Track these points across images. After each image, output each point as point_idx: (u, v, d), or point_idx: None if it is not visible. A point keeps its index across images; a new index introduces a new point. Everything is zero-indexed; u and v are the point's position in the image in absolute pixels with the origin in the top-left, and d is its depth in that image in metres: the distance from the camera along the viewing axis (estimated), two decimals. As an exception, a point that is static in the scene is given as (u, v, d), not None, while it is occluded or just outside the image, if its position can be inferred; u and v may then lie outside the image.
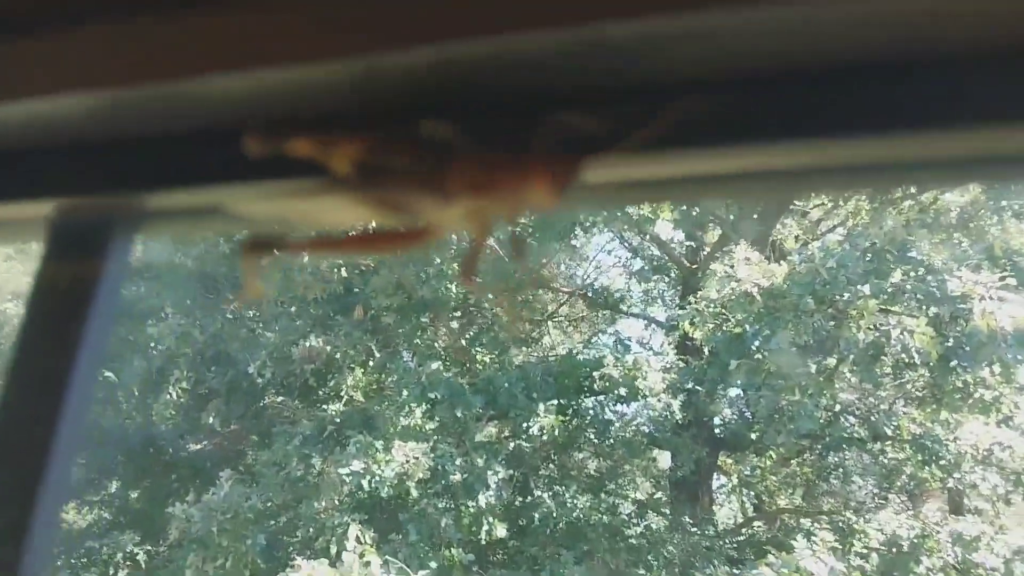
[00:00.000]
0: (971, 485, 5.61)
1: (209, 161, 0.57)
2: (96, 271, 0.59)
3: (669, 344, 7.04)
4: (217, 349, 6.53)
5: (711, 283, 5.94)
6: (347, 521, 5.25)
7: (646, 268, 8.25)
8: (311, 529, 5.52)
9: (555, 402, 6.40)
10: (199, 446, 7.10)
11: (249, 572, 5.46)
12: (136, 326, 7.10)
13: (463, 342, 6.87)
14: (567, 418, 6.46)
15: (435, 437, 5.74)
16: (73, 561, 6.58)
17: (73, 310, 0.58)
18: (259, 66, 0.50)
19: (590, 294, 8.13)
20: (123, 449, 6.91)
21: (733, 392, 6.50)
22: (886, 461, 6.39)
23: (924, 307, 5.01)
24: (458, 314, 7.12)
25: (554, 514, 6.08)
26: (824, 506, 7.08)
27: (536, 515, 6.11)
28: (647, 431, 6.58)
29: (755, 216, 6.54)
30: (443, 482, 5.55)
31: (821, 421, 5.80)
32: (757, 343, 5.42)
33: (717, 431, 7.00)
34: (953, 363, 5.01)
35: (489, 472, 5.62)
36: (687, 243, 7.64)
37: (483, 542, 5.70)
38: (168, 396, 6.85)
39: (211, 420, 6.85)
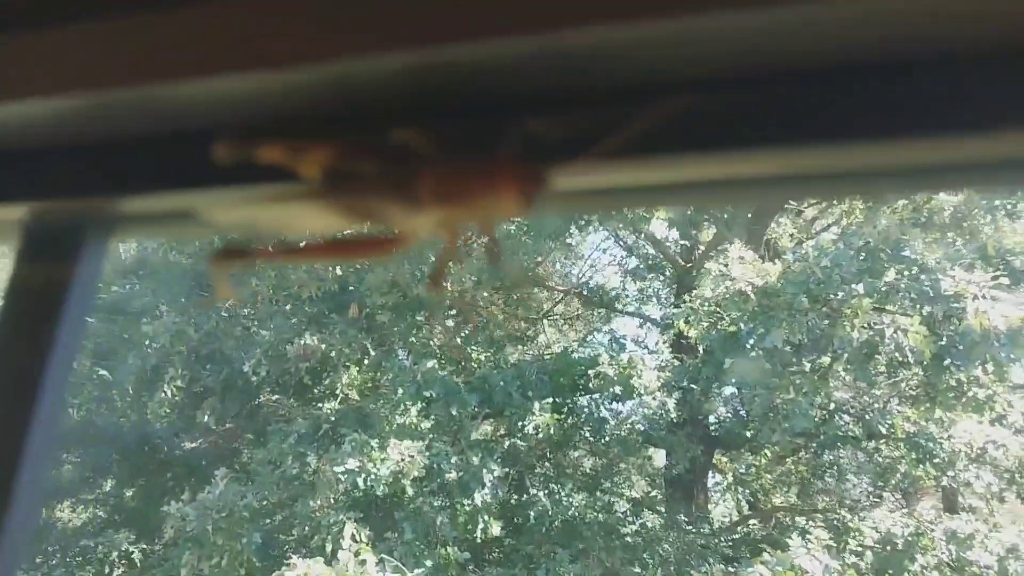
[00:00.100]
0: (965, 483, 5.62)
1: (183, 165, 0.56)
2: (69, 274, 0.59)
3: (664, 342, 7.03)
4: (212, 347, 6.52)
5: (706, 281, 5.95)
6: (343, 519, 5.24)
7: (641, 266, 8.24)
8: (307, 527, 5.51)
9: (550, 400, 6.40)
10: (194, 444, 7.09)
11: (244, 570, 5.45)
12: (131, 324, 7.09)
13: (458, 340, 6.87)
14: (562, 416, 6.46)
15: (430, 435, 5.74)
16: (68, 560, 6.58)
17: (46, 312, 0.58)
18: (230, 71, 0.50)
19: (585, 292, 8.13)
20: (118, 447, 6.90)
21: (728, 390, 6.51)
22: (880, 459, 6.40)
23: (918, 306, 5.01)
24: (453, 312, 7.12)
25: (549, 512, 6.08)
26: (819, 504, 7.10)
27: (531, 513, 6.12)
28: (642, 429, 6.58)
29: (749, 215, 6.54)
30: (438, 480, 5.55)
31: (816, 419, 5.81)
32: (751, 341, 5.42)
33: (712, 429, 7.00)
34: (947, 362, 5.02)
35: (484, 470, 5.62)
36: (682, 242, 7.63)
37: (478, 540, 5.70)
38: (163, 394, 6.84)
39: (206, 418, 6.85)
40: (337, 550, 5.01)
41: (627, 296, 8.40)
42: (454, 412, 5.78)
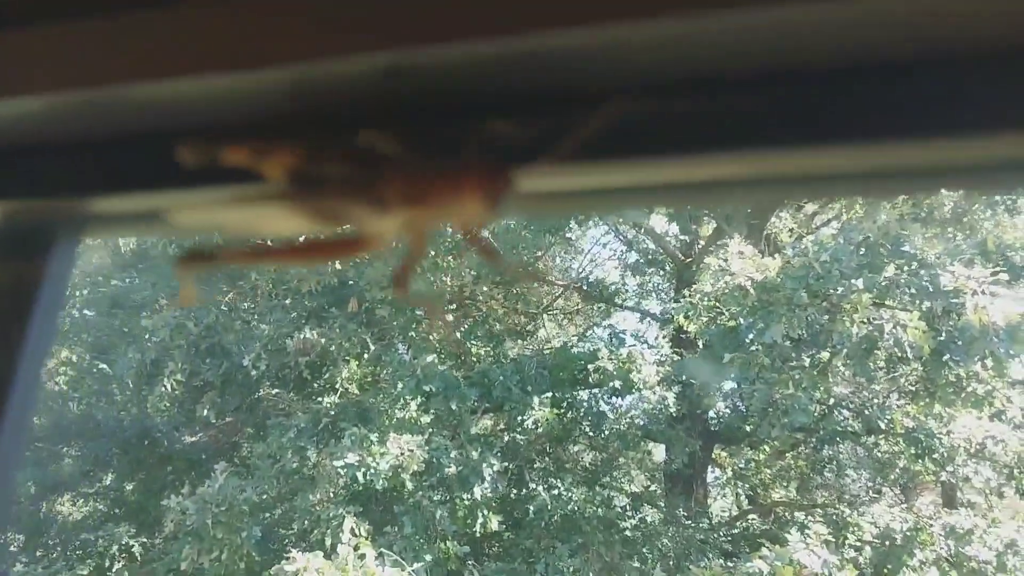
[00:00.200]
0: (964, 478, 5.63)
1: (153, 166, 0.56)
2: (39, 274, 0.59)
3: (664, 337, 7.04)
4: (212, 341, 6.53)
5: (705, 276, 5.95)
6: (342, 513, 5.25)
7: (641, 261, 8.25)
8: (306, 521, 5.52)
9: (550, 395, 6.41)
10: (194, 438, 7.11)
11: (244, 564, 5.46)
12: (130, 318, 7.10)
13: (458, 335, 6.87)
14: (562, 411, 6.47)
15: (430, 430, 5.74)
16: (69, 553, 6.60)
17: (16, 312, 0.58)
18: (198, 72, 0.49)
19: (585, 287, 8.13)
20: (118, 441, 6.92)
21: (727, 385, 6.51)
22: (879, 454, 6.41)
23: (917, 301, 5.00)
24: (453, 307, 7.12)
25: (549, 507, 6.08)
26: (818, 499, 7.11)
27: (531, 508, 6.12)
28: (642, 424, 6.59)
29: (749, 210, 6.53)
30: (438, 475, 5.56)
31: (815, 414, 5.81)
32: (751, 336, 5.42)
33: (711, 424, 7.01)
34: (946, 357, 5.01)
35: (484, 465, 5.63)
36: (681, 237, 7.64)
37: (478, 534, 5.71)
38: (163, 388, 6.84)
39: (206, 412, 6.86)
40: (336, 544, 5.02)
41: (627, 291, 8.41)
42: (454, 406, 5.78)
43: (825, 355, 5.43)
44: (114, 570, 6.38)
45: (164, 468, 6.97)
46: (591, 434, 6.72)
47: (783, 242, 6.59)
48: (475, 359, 6.81)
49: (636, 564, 5.96)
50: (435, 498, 5.59)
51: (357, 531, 5.15)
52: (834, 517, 6.08)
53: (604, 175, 0.49)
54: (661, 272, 8.27)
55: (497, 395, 6.10)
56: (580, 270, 8.79)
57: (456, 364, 6.55)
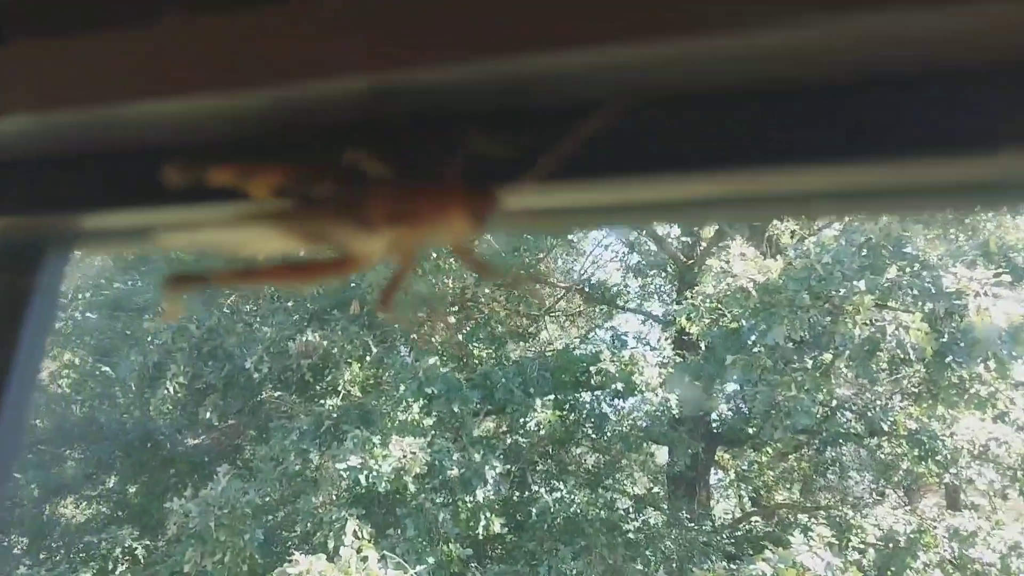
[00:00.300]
0: (967, 480, 5.62)
1: (143, 183, 0.56)
2: (30, 288, 0.59)
3: (666, 339, 7.04)
4: (214, 344, 6.54)
5: (707, 278, 5.94)
6: (345, 516, 5.26)
7: (643, 263, 8.25)
8: (309, 524, 5.53)
9: (552, 397, 6.41)
10: (197, 441, 7.12)
11: (247, 567, 5.47)
12: (132, 320, 7.12)
13: (460, 337, 6.87)
14: (564, 413, 6.47)
15: (432, 432, 5.75)
16: (72, 556, 6.62)
17: (6, 327, 0.58)
18: (187, 91, 0.50)
19: (587, 289, 8.13)
20: (121, 444, 6.93)
21: (730, 387, 6.50)
22: (883, 456, 6.40)
23: (919, 303, 5.00)
24: (455, 309, 7.12)
25: (551, 509, 6.08)
26: (821, 501, 7.10)
27: (533, 510, 6.13)
28: (644, 426, 6.58)
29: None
30: (440, 477, 5.56)
31: (818, 416, 5.81)
32: (753, 338, 5.42)
33: (714, 426, 7.00)
34: (948, 359, 5.00)
35: (486, 467, 5.63)
36: (683, 238, 7.63)
37: (480, 537, 5.72)
38: (165, 391, 6.85)
39: (208, 415, 6.87)
40: (339, 547, 5.03)
41: (629, 293, 8.41)
42: (456, 409, 5.78)
43: (827, 357, 5.42)
44: (117, 573, 6.39)
45: (167, 471, 6.98)
46: (593, 436, 6.72)
47: (785, 244, 6.58)
48: (477, 361, 6.81)
49: (639, 567, 5.96)
50: (438, 500, 5.59)
51: (360, 534, 5.16)
52: (837, 519, 6.08)
53: (589, 193, 0.49)
54: (663, 274, 8.27)
55: (499, 397, 6.10)
56: (582, 272, 8.79)
57: (458, 366, 6.55)
